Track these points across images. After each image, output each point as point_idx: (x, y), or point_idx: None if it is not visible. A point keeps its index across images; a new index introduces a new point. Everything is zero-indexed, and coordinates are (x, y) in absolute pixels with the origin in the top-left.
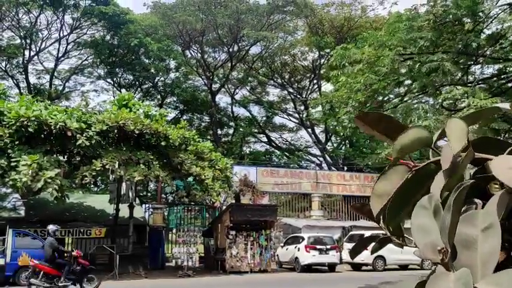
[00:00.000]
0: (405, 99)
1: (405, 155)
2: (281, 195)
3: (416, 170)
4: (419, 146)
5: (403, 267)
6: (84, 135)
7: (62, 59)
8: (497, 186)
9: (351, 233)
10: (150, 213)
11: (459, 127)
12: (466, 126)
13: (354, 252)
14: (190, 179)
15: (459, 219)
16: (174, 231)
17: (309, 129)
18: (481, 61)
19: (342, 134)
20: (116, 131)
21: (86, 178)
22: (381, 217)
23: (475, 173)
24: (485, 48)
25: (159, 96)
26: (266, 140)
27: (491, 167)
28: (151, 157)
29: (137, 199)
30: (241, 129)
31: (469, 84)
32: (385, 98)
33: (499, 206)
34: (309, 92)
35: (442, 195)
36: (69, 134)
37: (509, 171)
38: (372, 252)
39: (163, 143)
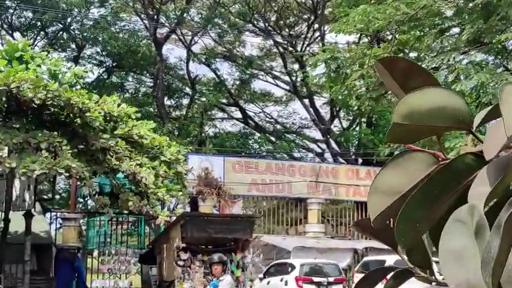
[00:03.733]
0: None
1: (416, 135)
2: (261, 201)
3: (447, 163)
4: (445, 122)
5: None
6: None
7: None
8: None
9: (365, 258)
10: (58, 226)
11: None
12: None
13: None
14: (120, 175)
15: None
16: (95, 254)
17: (306, 100)
18: None
19: (355, 108)
20: (4, 99)
21: None
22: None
23: None
24: None
25: (73, 46)
26: (240, 116)
27: None
28: (59, 140)
29: (38, 204)
30: (202, 98)
31: None
32: (421, 55)
33: None
34: (306, 42)
35: (485, 205)
36: None
37: None
38: None
39: (78, 121)
